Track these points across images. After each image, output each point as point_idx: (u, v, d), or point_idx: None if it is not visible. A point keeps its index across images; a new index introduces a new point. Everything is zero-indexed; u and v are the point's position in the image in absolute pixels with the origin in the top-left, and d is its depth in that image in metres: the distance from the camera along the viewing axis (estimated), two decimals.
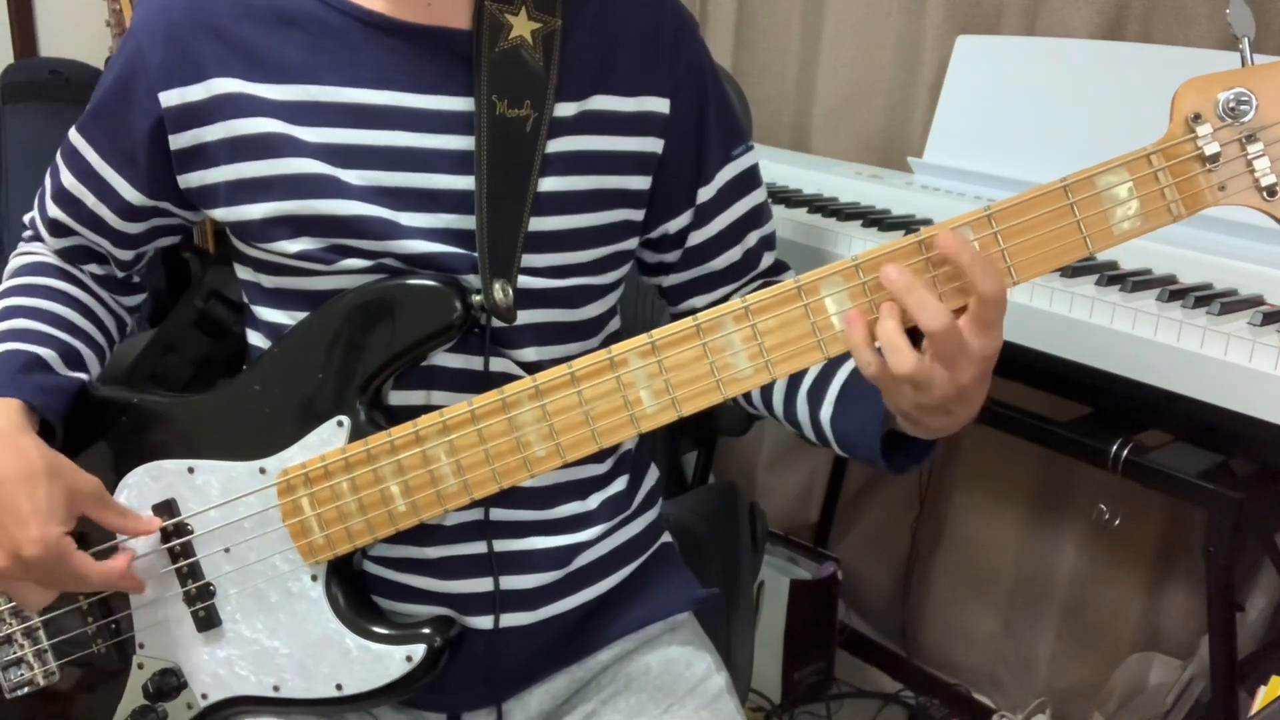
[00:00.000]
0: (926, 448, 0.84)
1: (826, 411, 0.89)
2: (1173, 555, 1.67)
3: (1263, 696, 0.91)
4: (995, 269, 0.72)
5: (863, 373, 0.75)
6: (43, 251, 0.99)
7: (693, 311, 1.00)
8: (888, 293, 0.73)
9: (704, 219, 0.97)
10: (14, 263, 0.99)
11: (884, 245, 0.75)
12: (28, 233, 1.01)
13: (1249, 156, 0.73)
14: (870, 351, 0.74)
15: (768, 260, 1.02)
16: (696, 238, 0.97)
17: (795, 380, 0.92)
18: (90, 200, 0.93)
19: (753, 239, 1.00)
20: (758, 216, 1.00)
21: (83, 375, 0.93)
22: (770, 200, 1.63)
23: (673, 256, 0.99)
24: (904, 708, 1.98)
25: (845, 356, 0.79)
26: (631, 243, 0.95)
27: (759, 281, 1.01)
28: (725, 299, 1.00)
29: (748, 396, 0.99)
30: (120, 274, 1.00)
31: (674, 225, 0.97)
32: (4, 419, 0.84)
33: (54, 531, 0.81)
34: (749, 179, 0.99)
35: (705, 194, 0.96)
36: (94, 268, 0.99)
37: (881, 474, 2.09)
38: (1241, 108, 0.73)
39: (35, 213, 0.98)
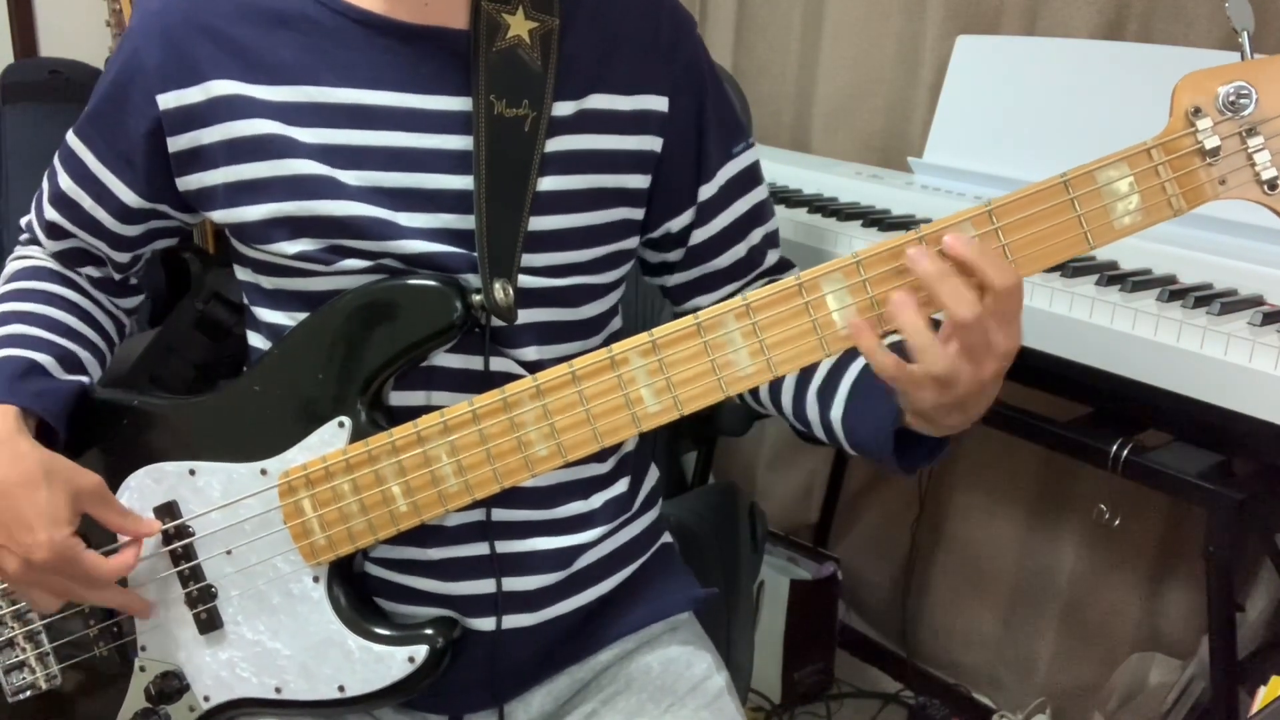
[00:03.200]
0: (939, 446, 0.83)
1: (837, 411, 0.88)
2: (1173, 555, 1.67)
3: (1263, 696, 0.91)
4: (1004, 261, 0.72)
5: (881, 376, 0.74)
6: (39, 255, 0.99)
7: (697, 310, 1.01)
8: (910, 281, 0.72)
9: (706, 217, 0.97)
10: (10, 267, 0.99)
11: (883, 243, 0.74)
12: (24, 236, 1.00)
13: (1249, 150, 0.73)
14: (885, 354, 0.73)
15: (772, 258, 1.02)
16: (699, 236, 0.97)
17: (804, 379, 0.92)
18: (88, 203, 0.92)
19: (757, 236, 0.99)
20: (760, 213, 1.00)
21: (82, 378, 0.93)
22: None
23: (675, 255, 0.99)
24: (904, 708, 1.98)
25: (853, 353, 0.79)
26: (631, 242, 0.95)
27: (764, 280, 1.01)
28: (729, 297, 0.99)
29: (755, 396, 0.98)
30: (117, 276, 1.00)
31: (676, 224, 0.97)
32: (1, 426, 0.84)
33: (60, 533, 0.81)
34: (750, 176, 0.99)
35: (706, 192, 0.96)
36: (91, 270, 0.99)
37: (882, 473, 2.11)
38: (1241, 101, 0.73)
39: (33, 216, 0.98)
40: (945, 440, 0.82)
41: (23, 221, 0.99)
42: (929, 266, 0.71)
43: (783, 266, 1.03)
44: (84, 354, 0.94)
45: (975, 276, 0.71)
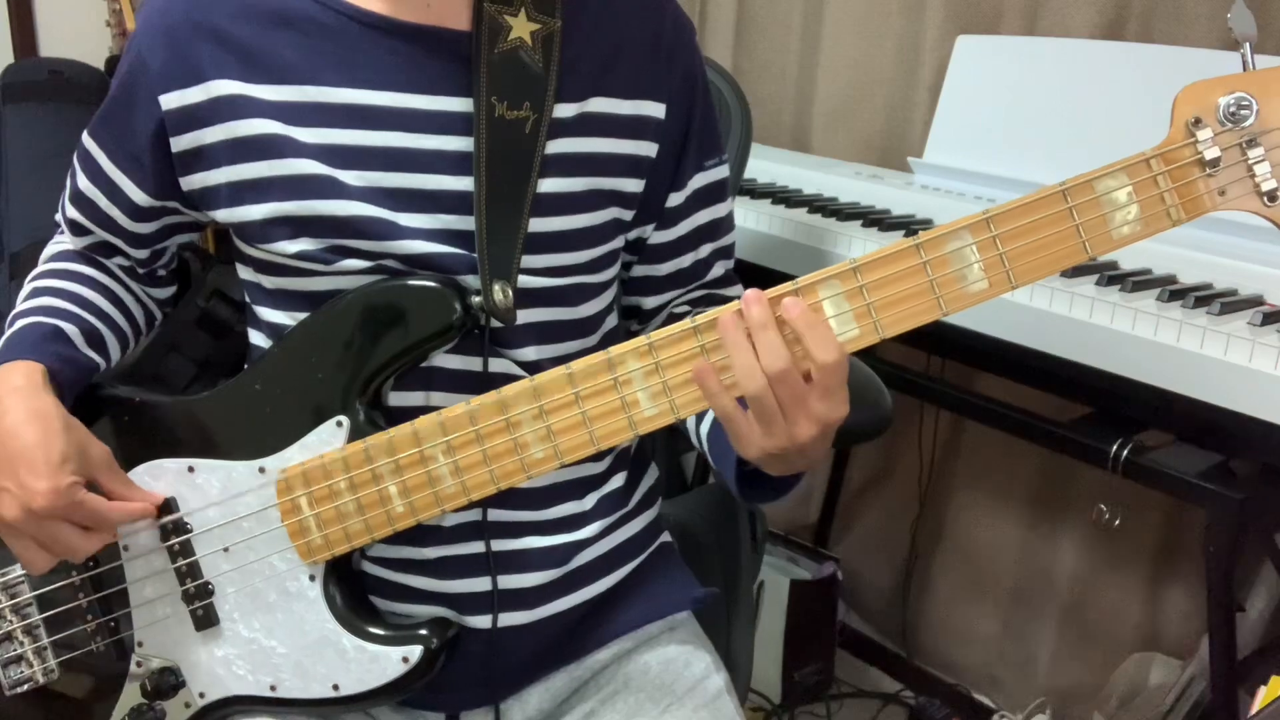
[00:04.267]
0: (782, 487, 0.85)
1: (705, 425, 0.91)
2: (1173, 555, 1.67)
3: (1263, 696, 0.91)
4: (831, 337, 0.74)
5: (719, 415, 0.77)
6: (73, 243, 1.00)
7: (637, 308, 1.01)
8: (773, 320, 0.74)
9: (667, 223, 0.97)
10: (47, 251, 1.01)
11: (883, 249, 0.75)
12: (59, 231, 1.02)
13: (1249, 161, 0.73)
14: (727, 396, 0.75)
15: (718, 270, 1.02)
16: (656, 239, 0.98)
17: None
18: (103, 202, 0.93)
19: (706, 250, 1.00)
20: (716, 229, 1.01)
21: (100, 359, 0.94)
22: (771, 201, 1.65)
23: (632, 255, 0.99)
24: (904, 708, 1.98)
25: None
26: (620, 241, 0.95)
27: (704, 291, 1.02)
28: (670, 302, 1.01)
29: None
30: (142, 270, 1.01)
31: (650, 229, 0.97)
32: (25, 377, 0.85)
33: (65, 479, 0.81)
34: (717, 191, 1.00)
35: (675, 199, 0.97)
36: (121, 260, 1.00)
37: (882, 474, 2.11)
38: (1242, 112, 0.72)
39: (59, 213, 1.00)
40: (788, 485, 0.85)
41: (56, 217, 1.01)
42: (755, 314, 0.74)
43: (728, 281, 1.04)
44: (108, 333, 0.95)
45: (801, 345, 0.73)
